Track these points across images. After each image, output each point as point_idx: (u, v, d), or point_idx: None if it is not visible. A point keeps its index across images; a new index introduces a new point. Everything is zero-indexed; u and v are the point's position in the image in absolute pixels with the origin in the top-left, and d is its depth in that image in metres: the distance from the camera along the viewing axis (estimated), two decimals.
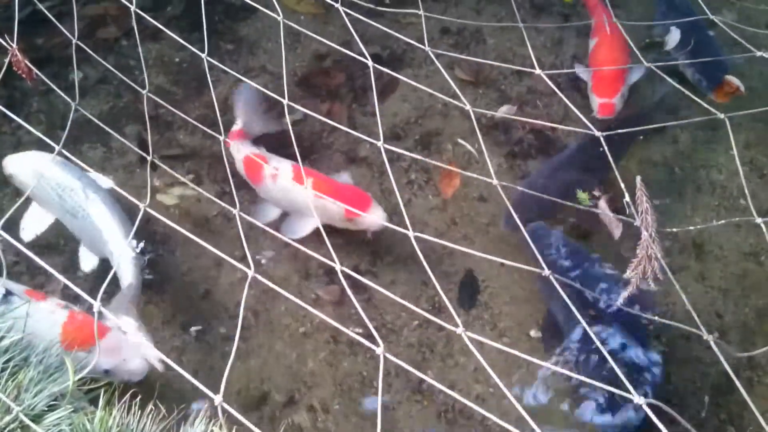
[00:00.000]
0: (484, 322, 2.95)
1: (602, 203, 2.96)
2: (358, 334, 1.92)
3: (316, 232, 2.43)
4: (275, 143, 3.17)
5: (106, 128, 2.64)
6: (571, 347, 2.71)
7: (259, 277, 1.92)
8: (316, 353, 2.86)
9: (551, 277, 1.91)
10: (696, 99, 2.48)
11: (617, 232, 2.86)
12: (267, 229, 2.29)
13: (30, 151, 3.01)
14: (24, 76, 2.65)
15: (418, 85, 2.66)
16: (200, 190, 2.58)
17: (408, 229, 2.05)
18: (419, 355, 2.86)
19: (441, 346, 2.88)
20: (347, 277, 1.96)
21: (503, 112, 3.52)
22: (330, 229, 2.76)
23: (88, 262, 2.94)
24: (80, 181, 2.85)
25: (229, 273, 3.04)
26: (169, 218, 2.25)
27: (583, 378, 2.04)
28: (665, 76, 2.53)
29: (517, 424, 1.54)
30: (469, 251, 2.22)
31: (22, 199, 2.36)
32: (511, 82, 3.71)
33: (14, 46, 2.56)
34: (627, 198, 2.12)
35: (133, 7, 2.72)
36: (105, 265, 2.86)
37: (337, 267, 1.96)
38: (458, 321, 1.76)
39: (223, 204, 2.46)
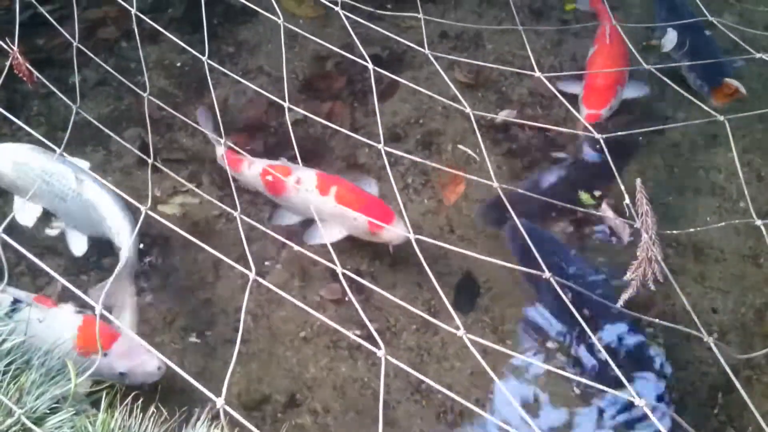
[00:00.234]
0: (484, 325, 2.94)
1: (605, 207, 2.96)
2: (359, 336, 1.92)
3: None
4: (275, 143, 3.17)
5: (107, 131, 2.64)
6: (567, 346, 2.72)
7: (260, 280, 1.92)
8: (317, 357, 2.86)
9: (551, 279, 1.92)
10: (696, 101, 2.49)
11: (625, 234, 2.86)
12: (269, 232, 2.29)
13: (3, 143, 3.01)
14: (25, 79, 2.65)
15: (419, 88, 2.67)
16: (201, 192, 2.59)
17: (409, 232, 2.06)
18: (418, 358, 2.87)
19: (437, 349, 2.88)
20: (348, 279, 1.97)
21: (504, 116, 3.52)
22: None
23: (77, 245, 2.96)
24: (65, 165, 2.84)
25: (230, 277, 3.04)
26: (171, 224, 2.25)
27: (583, 380, 2.05)
28: (665, 79, 2.54)
29: (517, 425, 1.55)
30: (470, 253, 2.22)
31: (28, 195, 2.35)
32: (512, 83, 3.72)
33: (15, 49, 2.56)
34: (627, 200, 2.13)
35: (133, 10, 2.72)
36: (97, 247, 2.90)
37: (338, 270, 1.96)
38: (459, 323, 1.77)
39: (224, 207, 2.46)
